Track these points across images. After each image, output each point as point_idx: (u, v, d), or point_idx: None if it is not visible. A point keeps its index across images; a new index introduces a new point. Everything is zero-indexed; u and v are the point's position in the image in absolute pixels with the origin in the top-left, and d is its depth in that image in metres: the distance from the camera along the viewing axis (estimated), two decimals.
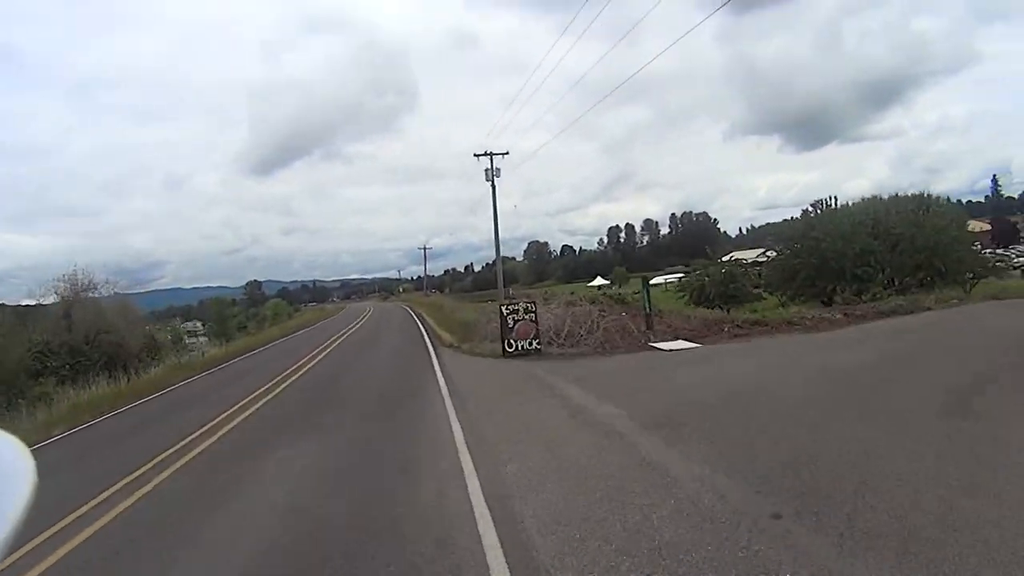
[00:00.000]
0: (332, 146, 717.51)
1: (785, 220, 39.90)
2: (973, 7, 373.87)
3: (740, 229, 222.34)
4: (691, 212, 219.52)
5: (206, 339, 73.89)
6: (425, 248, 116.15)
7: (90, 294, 37.92)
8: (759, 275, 34.48)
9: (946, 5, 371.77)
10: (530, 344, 18.90)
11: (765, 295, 32.20)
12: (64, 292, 36.94)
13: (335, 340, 36.83)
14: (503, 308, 19.75)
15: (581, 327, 19.93)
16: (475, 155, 46.13)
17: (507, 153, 46.87)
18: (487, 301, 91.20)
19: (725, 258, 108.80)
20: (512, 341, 19.03)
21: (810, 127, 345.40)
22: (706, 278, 31.73)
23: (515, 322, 19.19)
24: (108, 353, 34.21)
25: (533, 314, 19.33)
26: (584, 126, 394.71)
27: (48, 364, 31.77)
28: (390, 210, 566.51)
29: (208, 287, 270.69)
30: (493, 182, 46.17)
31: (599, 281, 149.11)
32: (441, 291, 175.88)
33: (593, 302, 24.83)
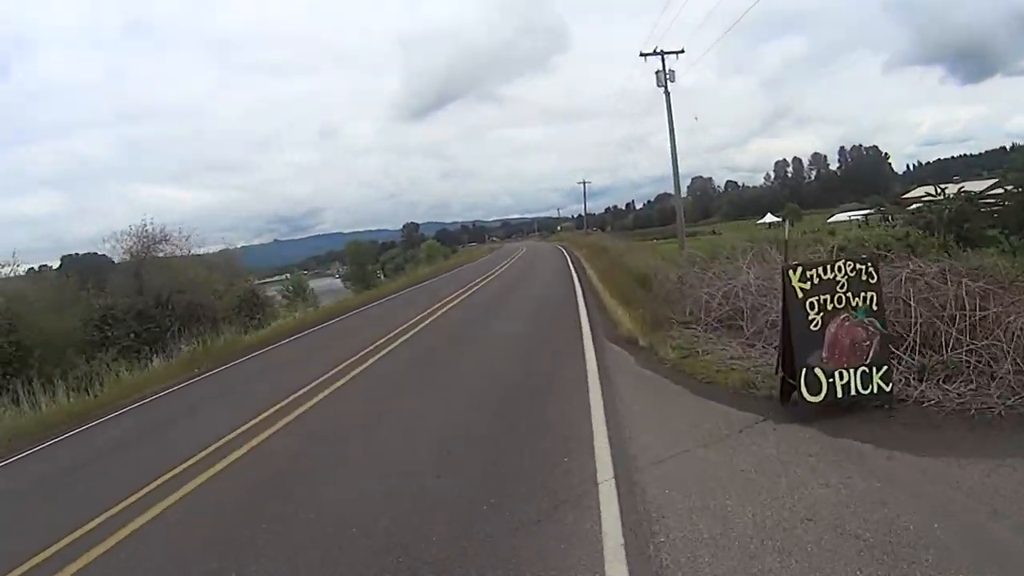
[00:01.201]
0: (484, 89, 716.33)
1: None
2: None
3: (907, 165, 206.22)
4: (860, 146, 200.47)
5: (342, 285, 72.16)
6: (584, 183, 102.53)
7: (164, 249, 32.22)
8: (993, 214, 25.18)
9: None
10: (866, 380, 6.90)
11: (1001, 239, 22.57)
12: (133, 248, 31.20)
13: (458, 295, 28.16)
14: (794, 275, 7.08)
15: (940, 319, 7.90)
16: (642, 54, 35.62)
17: (682, 51, 35.60)
18: (656, 240, 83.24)
19: (912, 194, 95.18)
20: (820, 370, 6.88)
21: (973, 58, 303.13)
22: (936, 216, 22.80)
23: (824, 316, 6.98)
24: (184, 316, 28.80)
25: (871, 297, 7.10)
26: (741, 60, 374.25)
27: (110, 334, 26.16)
28: (546, 150, 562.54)
29: (368, 231, 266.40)
30: (667, 86, 35.46)
31: (769, 218, 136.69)
32: (603, 229, 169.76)
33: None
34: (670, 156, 34.98)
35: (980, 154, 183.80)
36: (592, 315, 16.96)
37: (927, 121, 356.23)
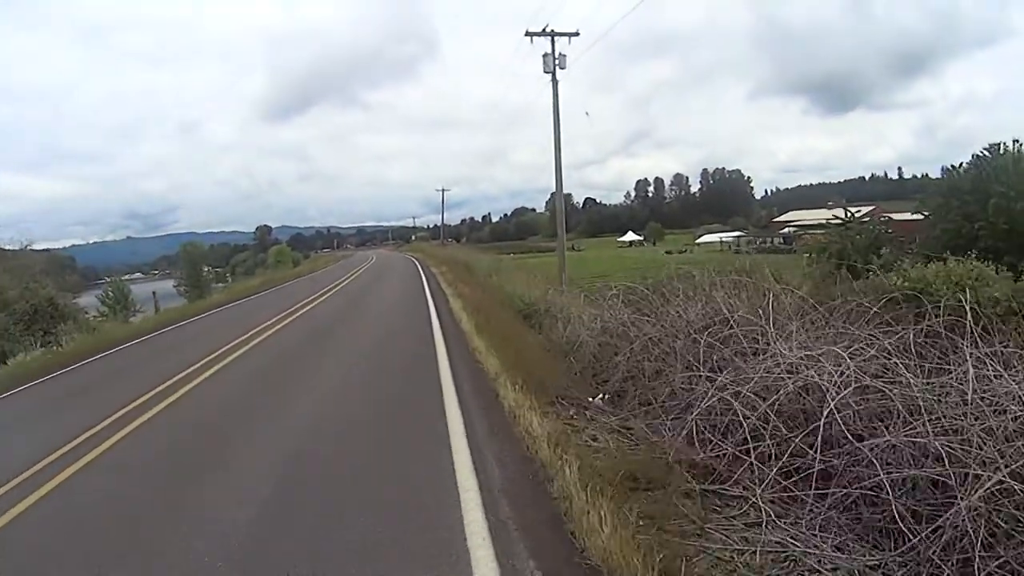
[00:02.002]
0: (350, 93, 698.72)
1: (950, 169, 30.37)
2: None
3: (765, 190, 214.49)
4: (724, 169, 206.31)
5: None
6: (443, 190, 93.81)
7: None
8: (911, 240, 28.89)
9: None
10: None
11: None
12: None
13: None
14: None
15: None
16: (528, 33, 29.33)
17: (576, 34, 29.39)
18: (514, 255, 75.86)
19: (783, 217, 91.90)
20: None
21: (836, 91, 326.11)
22: (849, 242, 24.56)
23: None
24: None
25: None
26: (605, 79, 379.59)
27: None
28: (407, 158, 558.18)
29: (223, 232, 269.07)
30: (555, 73, 29.26)
31: (630, 236, 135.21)
32: (458, 240, 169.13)
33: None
34: (553, 150, 28.59)
35: (840, 182, 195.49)
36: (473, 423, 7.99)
37: (787, 149, 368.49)
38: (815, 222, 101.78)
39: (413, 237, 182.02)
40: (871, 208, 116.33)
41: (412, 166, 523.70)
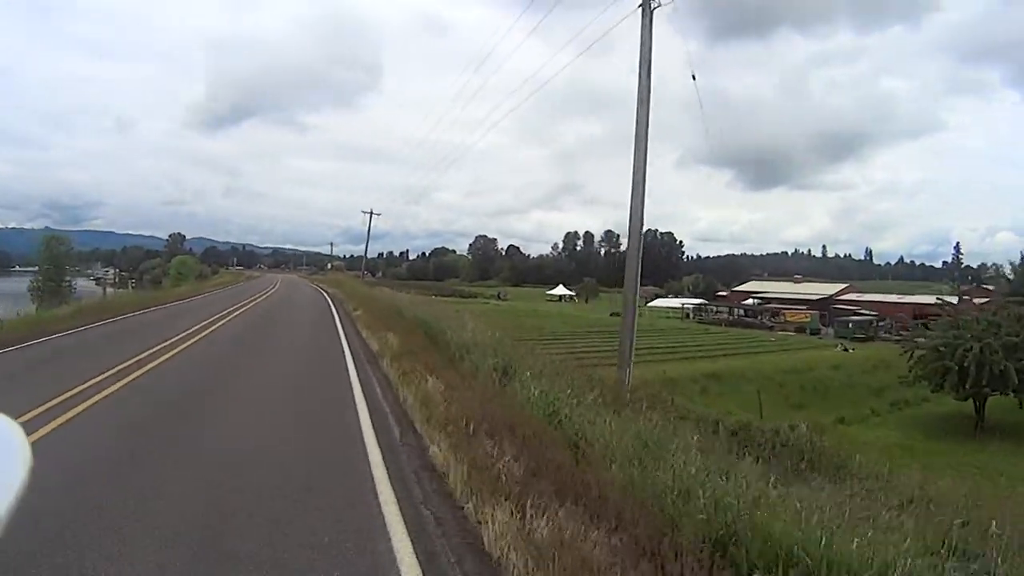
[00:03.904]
0: (286, 112, 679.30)
1: None
2: (948, 76, 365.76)
3: (686, 256, 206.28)
4: (656, 230, 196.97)
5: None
6: (371, 213, 76.95)
7: None
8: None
9: (920, 71, 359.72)
10: None
11: None
12: None
13: None
14: None
15: None
16: None
17: None
18: (435, 296, 66.28)
19: (743, 287, 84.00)
20: None
21: (763, 168, 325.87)
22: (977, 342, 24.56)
23: None
24: None
25: None
26: (536, 133, 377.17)
27: None
28: (333, 185, 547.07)
29: (141, 235, 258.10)
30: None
31: (561, 290, 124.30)
32: (373, 274, 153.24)
33: None
34: (634, 129, 16.70)
35: (763, 255, 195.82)
36: None
37: (708, 218, 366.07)
38: (781, 295, 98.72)
39: (329, 265, 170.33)
40: (844, 286, 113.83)
41: (337, 194, 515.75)
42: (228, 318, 24.23)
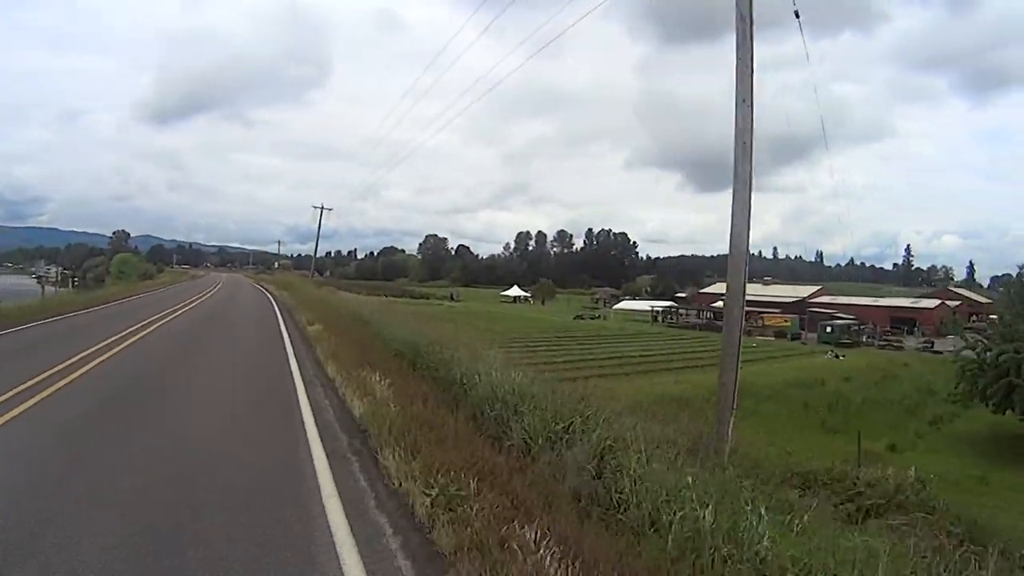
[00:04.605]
0: (234, 107, 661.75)
1: None
2: (899, 83, 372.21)
3: (637, 257, 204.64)
4: (610, 230, 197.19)
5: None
6: (322, 208, 70.00)
7: None
8: None
9: (873, 76, 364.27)
10: None
11: None
12: None
13: None
14: None
15: None
16: None
17: None
18: (385, 295, 61.88)
19: (710, 289, 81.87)
20: None
21: (713, 170, 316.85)
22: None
23: None
24: None
25: None
26: (486, 132, 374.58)
27: None
28: (281, 182, 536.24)
29: (86, 232, 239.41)
30: None
31: (515, 291, 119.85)
32: (321, 273, 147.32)
33: None
34: (733, 130, 12.31)
35: (713, 256, 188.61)
36: None
37: (656, 219, 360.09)
38: (753, 297, 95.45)
39: (276, 264, 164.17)
40: (817, 288, 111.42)
41: (285, 191, 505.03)
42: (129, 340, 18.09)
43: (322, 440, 8.10)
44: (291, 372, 13.63)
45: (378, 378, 10.37)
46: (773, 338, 59.81)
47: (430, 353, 12.30)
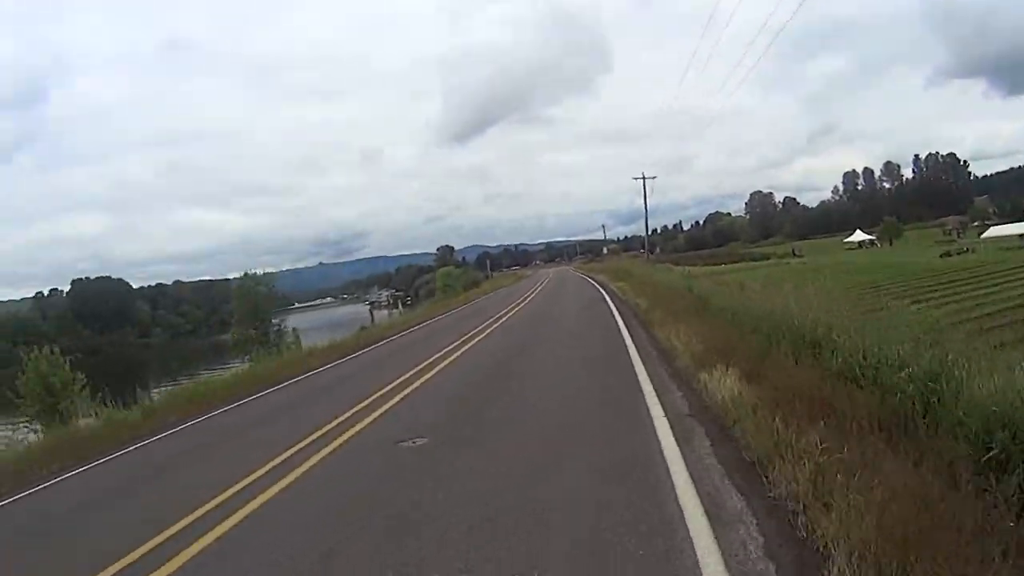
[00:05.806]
0: (528, 111, 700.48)
1: None
2: None
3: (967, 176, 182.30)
4: (937, 154, 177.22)
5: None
6: (645, 178, 70.59)
7: None
8: None
9: None
10: None
11: None
12: None
13: None
14: None
15: None
16: None
17: None
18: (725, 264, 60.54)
19: None
20: None
21: (1016, 68, 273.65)
22: None
23: None
24: None
25: None
26: (779, 79, 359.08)
27: None
28: (590, 171, 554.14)
29: (412, 254, 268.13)
30: None
31: (859, 236, 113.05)
32: (651, 251, 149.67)
33: None
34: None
35: None
36: None
37: (971, 135, 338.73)
38: None
39: (605, 250, 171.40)
40: None
41: (597, 178, 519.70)
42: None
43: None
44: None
45: None
46: None
47: None
